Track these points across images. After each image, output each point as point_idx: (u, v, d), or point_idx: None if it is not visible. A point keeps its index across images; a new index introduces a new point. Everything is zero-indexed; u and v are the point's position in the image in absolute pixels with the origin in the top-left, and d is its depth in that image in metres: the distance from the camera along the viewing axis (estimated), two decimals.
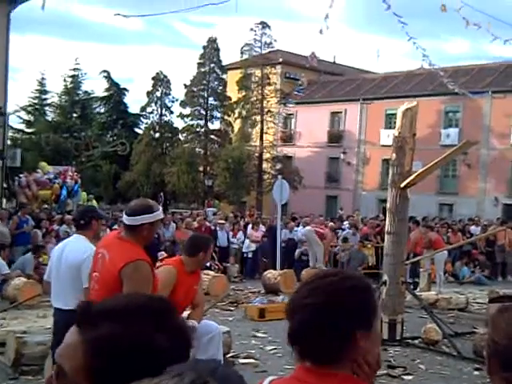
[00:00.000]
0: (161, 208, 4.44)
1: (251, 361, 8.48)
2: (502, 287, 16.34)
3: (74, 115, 51.08)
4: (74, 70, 51.44)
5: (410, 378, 8.04)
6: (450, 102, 37.41)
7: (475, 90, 32.75)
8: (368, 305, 1.72)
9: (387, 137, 35.47)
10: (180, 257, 5.93)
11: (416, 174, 9.62)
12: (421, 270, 16.03)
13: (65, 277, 5.31)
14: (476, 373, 8.23)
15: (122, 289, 3.92)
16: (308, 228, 17.14)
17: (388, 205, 10.01)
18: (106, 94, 51.59)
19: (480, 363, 8.40)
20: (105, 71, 51.53)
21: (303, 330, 1.69)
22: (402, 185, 9.55)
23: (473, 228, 22.90)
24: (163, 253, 15.88)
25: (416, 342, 9.85)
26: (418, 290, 15.00)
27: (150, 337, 1.27)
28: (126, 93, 52.32)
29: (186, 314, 5.88)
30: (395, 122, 10.31)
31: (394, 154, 9.83)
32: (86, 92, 52.17)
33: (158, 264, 14.82)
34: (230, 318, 11.46)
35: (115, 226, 17.15)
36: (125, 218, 4.22)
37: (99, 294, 4.06)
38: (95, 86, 59.05)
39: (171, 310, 1.37)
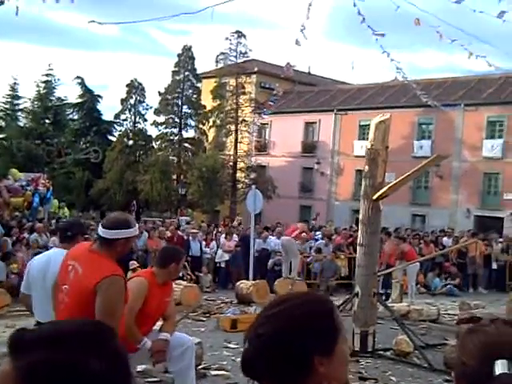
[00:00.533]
0: (136, 225, 4.39)
1: (223, 372, 8.42)
2: (473, 299, 16.48)
3: (47, 121, 50.60)
4: (47, 75, 51.02)
5: None
6: (423, 114, 37.78)
7: (448, 102, 33.16)
8: (327, 330, 1.69)
9: (361, 148, 35.70)
10: (151, 268, 5.87)
11: (388, 186, 9.66)
12: (393, 281, 16.10)
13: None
14: None
15: (94, 303, 3.88)
16: (286, 237, 17.05)
17: (360, 216, 10.06)
18: (79, 100, 51.17)
19: (450, 375, 8.43)
20: (78, 77, 51.18)
21: (254, 360, 1.65)
22: (375, 197, 9.59)
23: (445, 239, 23.11)
24: (134, 262, 15.75)
25: (388, 353, 9.87)
26: (390, 301, 15.07)
27: (84, 362, 1.23)
28: (99, 99, 51.98)
29: (157, 326, 5.83)
30: (369, 133, 10.36)
31: (367, 166, 9.87)
32: (59, 98, 51.76)
33: (129, 274, 14.76)
34: (202, 329, 11.39)
35: (87, 236, 17.00)
36: (101, 231, 4.16)
37: (70, 307, 4.02)
38: (69, 93, 58.80)
39: (108, 334, 1.33)
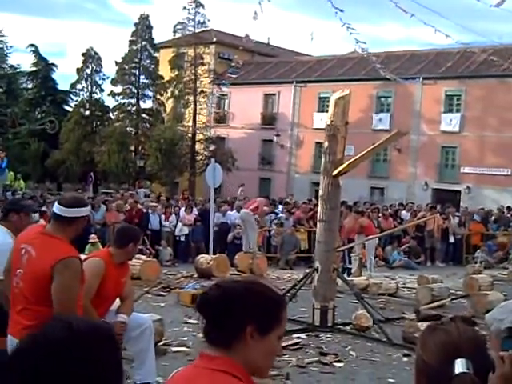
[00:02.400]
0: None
1: (183, 349, 8.37)
2: (431, 272, 16.72)
3: None
4: None
5: (340, 365, 8.08)
6: (382, 87, 37.95)
7: (406, 76, 33.35)
8: (270, 313, 1.88)
9: (320, 120, 35.73)
10: (108, 248, 5.74)
11: (348, 162, 9.65)
12: (352, 255, 16.23)
13: None
14: (405, 359, 8.36)
15: (50, 286, 3.82)
16: (244, 210, 17.01)
17: (320, 192, 10.05)
18: (33, 68, 49.93)
19: (409, 349, 8.55)
20: (32, 45, 49.86)
21: (207, 304, 1.90)
22: (334, 173, 9.58)
23: (403, 213, 23.36)
24: (94, 236, 15.53)
25: (347, 328, 9.93)
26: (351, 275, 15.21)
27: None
28: (54, 68, 50.74)
29: (114, 306, 5.72)
30: (328, 106, 10.32)
31: (327, 142, 9.85)
32: (11, 66, 50.49)
33: (88, 247, 14.57)
34: (162, 304, 11.32)
35: (43, 208, 16.71)
36: (60, 209, 4.04)
37: (24, 291, 3.95)
38: (22, 61, 57.30)
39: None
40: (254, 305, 1.87)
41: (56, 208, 4.11)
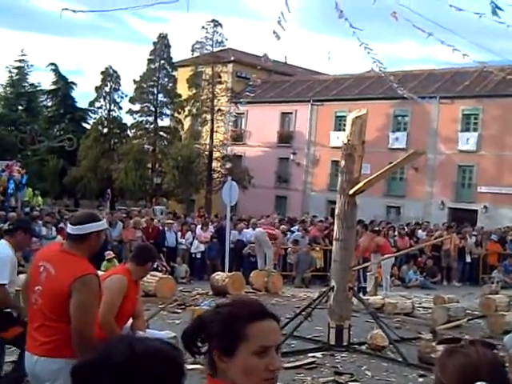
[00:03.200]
0: (104, 219, 4.36)
1: (198, 366, 8.37)
2: (448, 292, 16.61)
3: (20, 108, 49.95)
4: (20, 61, 50.38)
5: None
6: (398, 105, 37.93)
7: (423, 95, 33.33)
8: (229, 332, 1.83)
9: (337, 138, 35.80)
10: (126, 265, 5.79)
11: (364, 181, 9.65)
12: (368, 273, 16.17)
13: None
14: (420, 379, 8.31)
15: (68, 303, 3.85)
16: (259, 229, 17.05)
17: (337, 211, 10.05)
18: (53, 87, 50.58)
19: (425, 370, 8.50)
20: (52, 64, 50.60)
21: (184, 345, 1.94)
22: (351, 192, 9.59)
23: (419, 232, 23.24)
24: (110, 252, 15.59)
25: (363, 347, 9.89)
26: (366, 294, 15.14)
27: None
28: (74, 86, 51.50)
29: (128, 324, 5.76)
30: (345, 124, 10.35)
31: (343, 161, 9.87)
32: (32, 84, 51.15)
33: (104, 264, 14.65)
34: (177, 321, 11.31)
35: (61, 225, 16.84)
36: (70, 228, 4.11)
37: (43, 308, 3.98)
38: (42, 79, 58.04)
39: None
40: (215, 328, 1.86)
41: (68, 227, 4.19)
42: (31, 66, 51.36)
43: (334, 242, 10.24)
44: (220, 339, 1.84)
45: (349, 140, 9.78)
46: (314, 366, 8.71)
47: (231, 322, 1.85)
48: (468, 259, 22.04)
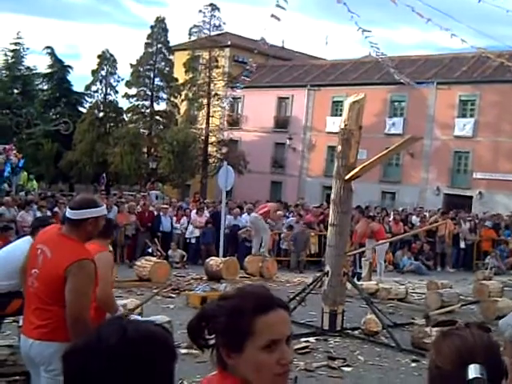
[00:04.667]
0: (103, 205, 4.33)
1: (192, 351, 8.40)
2: (441, 277, 16.67)
3: (15, 91, 49.63)
4: (16, 44, 49.94)
5: (349, 369, 8.10)
6: (395, 91, 37.85)
7: (421, 80, 33.28)
8: (236, 328, 1.75)
9: (333, 124, 35.81)
10: (96, 242, 5.52)
11: (360, 167, 9.65)
12: (362, 259, 16.21)
13: None
14: (413, 364, 8.37)
15: (64, 287, 3.86)
16: (253, 214, 17.03)
17: (332, 196, 10.06)
18: (49, 70, 50.26)
19: (417, 355, 8.55)
20: (48, 47, 50.23)
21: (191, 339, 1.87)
22: (347, 177, 9.59)
23: (414, 218, 23.27)
24: None
25: (356, 332, 9.94)
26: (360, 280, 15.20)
27: None
28: (70, 70, 51.14)
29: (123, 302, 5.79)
30: (341, 110, 10.34)
31: (340, 146, 9.85)
32: (28, 68, 50.74)
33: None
34: (172, 306, 11.36)
35: (55, 209, 16.82)
36: (69, 212, 4.11)
37: (39, 291, 3.99)
38: (38, 62, 57.71)
39: None
40: (219, 324, 1.78)
41: (67, 211, 4.18)
42: (27, 49, 51.00)
43: (328, 228, 10.26)
44: (226, 335, 1.76)
45: (346, 125, 9.76)
46: (307, 350, 8.75)
47: (236, 317, 1.76)
48: (462, 245, 22.10)
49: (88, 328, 3.74)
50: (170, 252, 18.11)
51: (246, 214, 19.46)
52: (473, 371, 1.69)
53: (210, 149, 43.97)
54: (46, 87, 51.47)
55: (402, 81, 22.82)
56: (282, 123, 44.50)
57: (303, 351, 8.67)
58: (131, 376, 1.39)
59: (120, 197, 21.68)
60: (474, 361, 1.70)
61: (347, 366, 8.22)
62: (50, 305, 3.91)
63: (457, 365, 1.72)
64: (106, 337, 1.43)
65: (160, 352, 1.46)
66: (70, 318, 3.79)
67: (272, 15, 14.89)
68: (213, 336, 1.82)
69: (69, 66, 51.15)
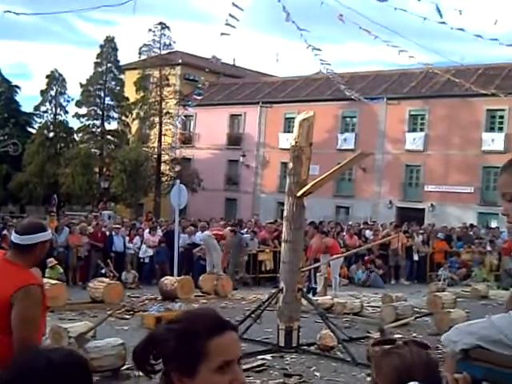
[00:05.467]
0: (49, 229, 4.23)
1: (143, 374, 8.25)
2: (396, 290, 16.83)
3: None
4: None
5: None
6: (347, 107, 38.34)
7: (371, 96, 33.74)
8: (187, 351, 1.70)
9: (286, 140, 35.92)
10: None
11: (312, 183, 9.70)
12: (317, 274, 16.24)
13: None
14: (369, 379, 8.32)
15: (10, 314, 3.72)
16: (206, 233, 16.97)
17: (285, 213, 10.08)
18: None
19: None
20: None
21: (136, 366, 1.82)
22: (299, 194, 9.61)
23: (367, 232, 23.49)
24: (52, 259, 15.27)
25: (312, 348, 9.91)
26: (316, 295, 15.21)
27: None
28: (18, 90, 50.34)
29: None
30: (294, 126, 10.36)
31: (291, 164, 9.90)
32: None
33: (47, 271, 14.34)
34: (126, 327, 11.17)
35: (4, 232, 16.45)
36: (16, 238, 3.98)
37: None
38: None
39: None
40: (170, 348, 1.72)
41: (13, 236, 4.06)
42: None
43: (282, 244, 10.26)
44: (178, 360, 1.70)
45: (296, 142, 9.81)
46: (263, 368, 8.68)
47: (188, 340, 1.71)
48: (415, 257, 22.37)
49: None
50: (123, 274, 17.88)
51: (199, 232, 19.35)
52: None
53: (163, 167, 43.76)
54: None
55: (352, 97, 23.05)
56: (234, 140, 44.58)
57: (259, 369, 8.60)
58: None
59: (72, 219, 21.37)
60: (413, 379, 1.71)
61: (303, 382, 8.18)
62: None
63: (396, 383, 1.72)
64: (35, 364, 1.58)
65: (81, 371, 1.64)
66: (17, 345, 3.67)
67: (222, 33, 14.91)
68: (159, 361, 1.76)
69: (17, 86, 50.41)
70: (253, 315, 10.11)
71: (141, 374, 1.83)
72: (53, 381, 1.56)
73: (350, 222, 27.62)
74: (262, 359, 9.10)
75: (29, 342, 3.66)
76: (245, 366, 8.61)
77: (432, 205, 36.47)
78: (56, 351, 1.65)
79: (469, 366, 2.47)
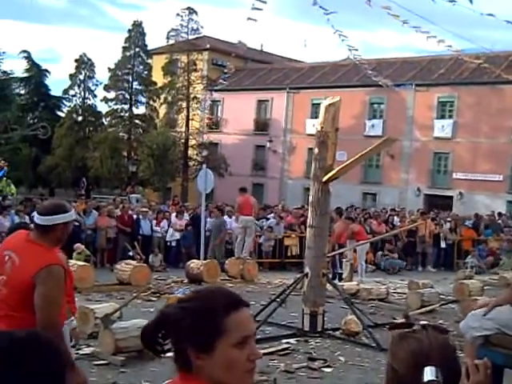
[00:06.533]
0: (73, 210, 4.25)
1: (171, 354, 8.34)
2: (422, 277, 16.73)
3: None
4: None
5: (329, 370, 8.07)
6: (374, 93, 38.04)
7: (399, 82, 33.46)
8: (203, 327, 1.73)
9: (313, 126, 35.73)
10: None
11: (337, 169, 9.67)
12: (343, 260, 16.22)
13: None
14: None
15: (33, 293, 3.80)
16: (250, 217, 16.82)
17: (310, 198, 10.06)
18: (26, 74, 49.83)
19: None
20: (25, 51, 49.75)
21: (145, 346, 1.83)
22: (324, 179, 9.59)
23: (395, 218, 23.37)
24: (79, 245, 15.41)
25: (337, 333, 9.93)
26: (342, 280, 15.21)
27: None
28: (47, 74, 50.70)
29: None
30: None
31: (317, 149, 9.87)
32: (4, 72, 50.16)
33: (74, 256, 14.50)
34: (152, 309, 11.26)
35: (33, 214, 16.64)
36: (37, 218, 4.04)
37: (7, 298, 3.92)
38: (15, 66, 56.96)
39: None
40: (185, 326, 1.74)
41: (35, 217, 4.11)
42: (3, 53, 50.28)
43: (307, 229, 10.26)
44: (195, 336, 1.73)
45: (322, 127, 9.77)
46: (287, 352, 8.72)
47: (206, 317, 1.75)
48: (443, 245, 22.22)
49: (59, 333, 3.71)
50: (150, 257, 18.03)
51: (226, 216, 19.40)
52: (428, 374, 1.69)
53: (191, 152, 43.89)
54: (23, 91, 50.94)
55: (380, 83, 22.88)
56: (262, 126, 44.53)
57: (283, 353, 8.63)
58: (16, 375, 1.48)
59: (100, 201, 21.57)
60: (429, 363, 1.71)
61: (327, 366, 8.18)
62: (19, 311, 3.84)
63: (412, 367, 1.72)
64: None
65: (49, 355, 1.56)
66: (40, 324, 3.72)
67: (249, 18, 14.85)
68: (167, 341, 1.79)
69: (46, 70, 50.80)
70: (278, 299, 10.14)
71: (166, 355, 1.85)
72: (12, 360, 1.50)
73: (378, 209, 27.47)
74: (287, 343, 9.14)
75: (51, 322, 3.72)
76: (269, 350, 8.68)
77: (460, 193, 36.14)
78: (22, 332, 1.62)
79: (489, 351, 2.46)
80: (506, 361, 2.49)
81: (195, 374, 1.74)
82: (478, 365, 2.11)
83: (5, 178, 24.62)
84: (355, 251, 16.53)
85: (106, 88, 45.90)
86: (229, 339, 1.74)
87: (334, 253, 14.31)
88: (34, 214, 4.15)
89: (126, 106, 46.05)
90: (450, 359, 1.77)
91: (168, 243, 19.22)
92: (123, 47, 45.72)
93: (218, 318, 1.74)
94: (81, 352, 7.81)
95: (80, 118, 47.03)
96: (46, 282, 3.79)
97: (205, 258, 15.81)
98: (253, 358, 1.78)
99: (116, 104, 45.96)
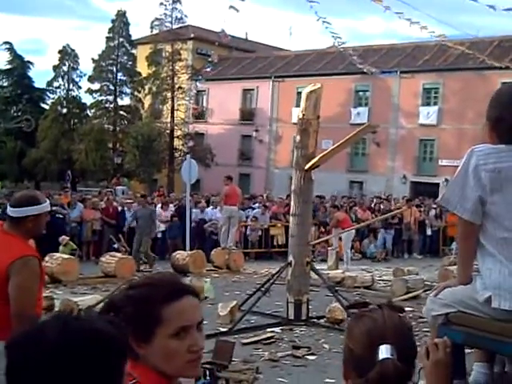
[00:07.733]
0: (47, 201, 4.20)
1: None
2: (408, 264, 16.81)
3: None
4: None
5: (313, 358, 8.09)
6: (359, 80, 38.01)
7: (384, 69, 33.43)
8: (140, 315, 1.72)
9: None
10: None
11: (319, 156, 9.66)
12: (329, 248, 16.25)
13: None
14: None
15: (7, 284, 3.74)
16: (234, 208, 16.85)
17: (293, 186, 10.06)
18: (8, 66, 49.42)
19: None
20: (7, 43, 49.36)
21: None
22: (306, 167, 9.57)
23: (381, 206, 23.42)
24: (64, 237, 15.31)
25: (321, 321, 9.94)
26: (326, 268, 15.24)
27: None
28: (30, 66, 50.36)
29: None
30: None
31: (298, 137, 9.87)
32: None
33: (60, 249, 14.38)
34: None
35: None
36: (9, 210, 3.99)
37: None
38: None
39: None
40: (127, 314, 1.72)
41: (8, 209, 4.06)
42: None
43: (290, 218, 10.26)
44: (135, 325, 1.70)
45: (304, 115, 9.75)
46: (272, 340, 8.72)
47: (144, 306, 1.73)
48: (429, 232, 22.31)
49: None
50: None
51: (211, 207, 19.38)
52: (383, 352, 1.68)
53: (176, 142, 43.74)
54: (6, 84, 50.51)
55: (365, 70, 22.86)
56: (247, 115, 44.41)
57: (268, 341, 8.65)
58: (71, 372, 1.32)
59: (85, 194, 21.45)
60: (384, 342, 1.70)
61: (312, 354, 8.21)
62: None
63: (367, 347, 1.71)
64: (47, 331, 1.36)
65: (103, 350, 1.37)
66: (14, 316, 3.69)
67: (231, 6, 14.78)
68: None
69: (29, 62, 50.42)
70: (262, 288, 10.14)
71: None
72: (63, 353, 1.32)
73: (364, 197, 27.53)
74: (272, 332, 9.15)
75: (26, 313, 3.67)
76: (254, 339, 8.69)
77: (446, 179, 36.11)
78: (78, 319, 1.41)
79: (449, 330, 2.46)
80: (465, 339, 2.49)
81: (141, 361, 1.73)
82: (437, 343, 2.13)
83: None
84: (341, 239, 16.56)
85: (91, 79, 45.68)
86: (166, 329, 1.72)
87: (317, 241, 14.32)
88: (7, 205, 4.10)
89: (111, 97, 45.84)
90: (406, 337, 1.76)
91: None
92: (107, 37, 45.47)
93: (155, 307, 1.72)
94: None
95: (64, 110, 46.81)
96: (20, 273, 3.75)
97: (190, 249, 15.78)
98: (194, 348, 1.74)
99: (101, 95, 45.76)
